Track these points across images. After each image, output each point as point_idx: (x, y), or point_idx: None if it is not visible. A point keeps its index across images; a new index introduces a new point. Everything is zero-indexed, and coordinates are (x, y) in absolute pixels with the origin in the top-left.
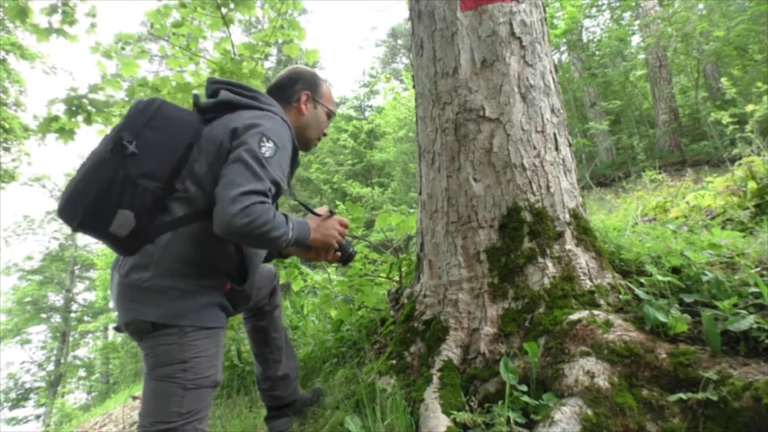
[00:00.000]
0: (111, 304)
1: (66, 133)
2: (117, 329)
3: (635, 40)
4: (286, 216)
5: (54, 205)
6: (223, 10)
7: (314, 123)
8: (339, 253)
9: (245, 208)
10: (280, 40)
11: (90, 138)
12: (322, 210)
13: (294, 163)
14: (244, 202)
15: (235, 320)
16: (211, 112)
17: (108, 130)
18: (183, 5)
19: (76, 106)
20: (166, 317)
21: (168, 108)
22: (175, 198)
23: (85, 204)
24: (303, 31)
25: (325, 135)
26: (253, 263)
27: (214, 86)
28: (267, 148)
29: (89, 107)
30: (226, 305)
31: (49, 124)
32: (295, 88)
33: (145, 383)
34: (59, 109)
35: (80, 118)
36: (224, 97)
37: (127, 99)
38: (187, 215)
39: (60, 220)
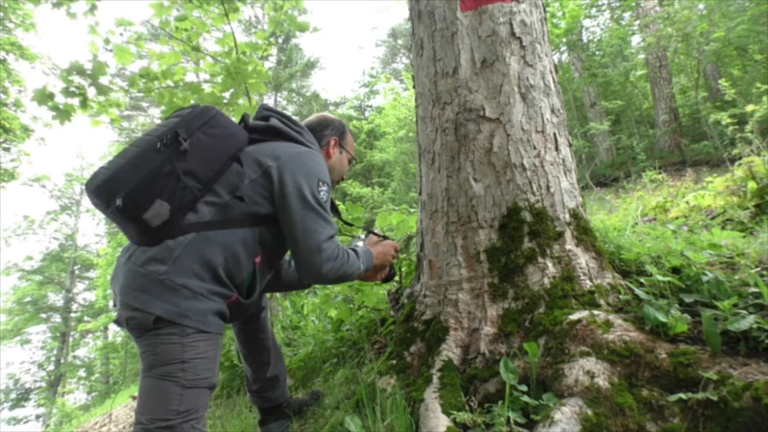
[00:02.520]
0: (114, 290)
1: (62, 113)
2: (117, 323)
3: (635, 40)
4: (355, 251)
5: (54, 205)
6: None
7: (338, 167)
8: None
9: (329, 255)
10: (280, 39)
11: (89, 137)
12: (377, 232)
13: None
14: (327, 250)
15: None
16: (258, 133)
17: (103, 119)
18: (189, 0)
19: (75, 87)
20: (173, 314)
21: (222, 118)
22: (206, 201)
23: (129, 187)
24: (302, 23)
25: (343, 179)
26: (261, 281)
27: (265, 112)
28: (324, 192)
29: (89, 88)
30: (227, 314)
31: (45, 96)
32: (325, 132)
33: (143, 381)
34: (56, 86)
35: (76, 100)
36: (275, 125)
37: (127, 88)
38: (215, 221)
39: (58, 208)
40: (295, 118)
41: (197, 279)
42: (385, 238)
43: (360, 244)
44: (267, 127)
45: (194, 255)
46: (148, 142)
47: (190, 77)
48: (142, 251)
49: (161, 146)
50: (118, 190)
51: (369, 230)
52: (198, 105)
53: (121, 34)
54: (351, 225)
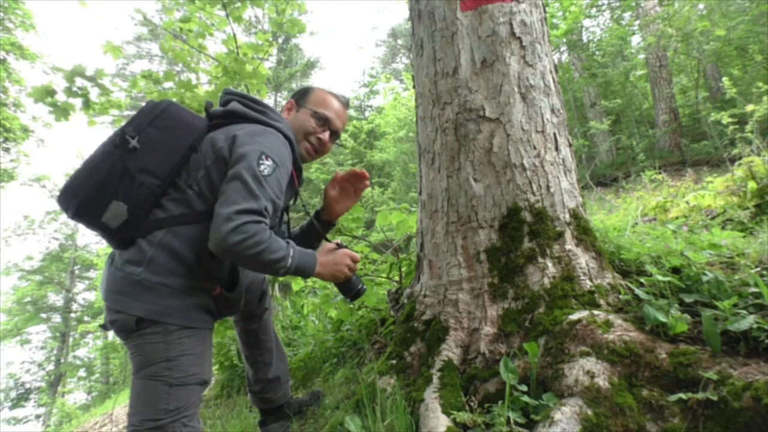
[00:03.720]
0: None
1: (60, 111)
2: (104, 327)
3: (635, 40)
4: (288, 242)
5: (54, 205)
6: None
7: (296, 123)
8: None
9: (238, 226)
10: (280, 40)
11: (89, 137)
12: (331, 245)
13: (298, 182)
14: (238, 221)
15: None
16: (218, 118)
17: (104, 119)
18: (192, 1)
19: (78, 87)
20: (153, 313)
21: (175, 109)
22: (172, 197)
23: (83, 192)
24: (302, 24)
25: (319, 139)
26: (244, 272)
27: (226, 97)
28: (266, 166)
29: (91, 89)
30: (213, 309)
31: (44, 92)
32: (287, 103)
33: (132, 383)
34: (59, 85)
35: (78, 101)
36: (233, 108)
37: (129, 90)
38: (183, 215)
39: (60, 210)
40: (258, 98)
41: (174, 275)
42: (341, 246)
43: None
44: (226, 112)
45: (167, 252)
46: (103, 146)
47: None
48: (120, 254)
49: (112, 147)
50: (74, 196)
51: (325, 237)
52: (151, 101)
53: (136, 24)
54: (308, 213)
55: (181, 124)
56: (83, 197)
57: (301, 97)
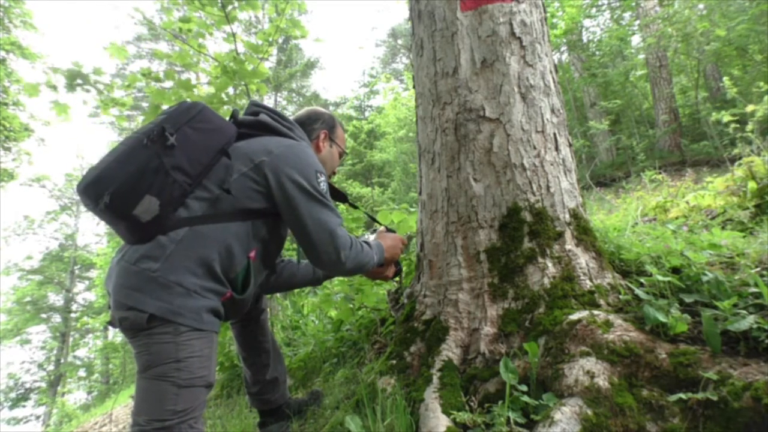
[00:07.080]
0: (107, 290)
1: (60, 107)
2: (111, 324)
3: (635, 40)
4: (368, 243)
5: (54, 205)
6: (228, 8)
7: (328, 160)
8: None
9: (344, 242)
10: (280, 40)
11: (89, 137)
12: (388, 233)
13: None
14: (341, 237)
15: None
16: (246, 128)
17: (103, 120)
18: (191, 1)
19: (78, 85)
20: (166, 312)
21: (209, 113)
22: (196, 196)
23: (116, 184)
24: (305, 28)
25: (335, 174)
26: (256, 276)
27: (255, 108)
28: (322, 182)
29: (90, 86)
30: (221, 312)
31: (37, 88)
32: (315, 126)
33: (138, 382)
34: (59, 81)
35: (79, 97)
36: (264, 120)
37: (128, 84)
38: (207, 215)
39: (66, 206)
40: (284, 113)
41: (191, 275)
42: (393, 231)
43: (371, 237)
44: (256, 122)
45: (187, 251)
46: (136, 139)
47: (191, 78)
48: (135, 249)
49: (148, 142)
50: (106, 187)
51: (375, 220)
52: (185, 101)
53: (135, 23)
54: (356, 207)
55: (215, 127)
56: (118, 187)
57: (332, 131)
